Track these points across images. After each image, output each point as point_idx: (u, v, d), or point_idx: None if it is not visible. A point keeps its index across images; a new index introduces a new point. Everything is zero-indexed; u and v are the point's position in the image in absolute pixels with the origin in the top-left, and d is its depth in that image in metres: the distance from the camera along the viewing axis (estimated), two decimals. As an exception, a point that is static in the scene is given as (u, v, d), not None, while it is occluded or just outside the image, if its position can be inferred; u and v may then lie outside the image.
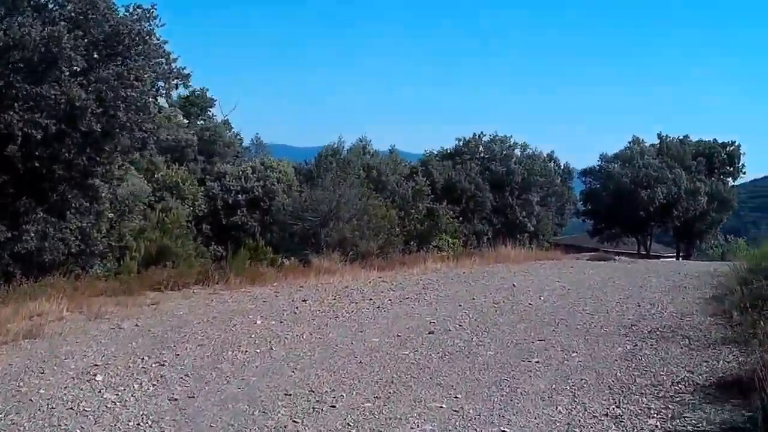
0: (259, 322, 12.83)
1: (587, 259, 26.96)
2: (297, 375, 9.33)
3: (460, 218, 44.93)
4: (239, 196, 35.85)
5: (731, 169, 58.76)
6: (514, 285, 17.39)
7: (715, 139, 59.05)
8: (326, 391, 8.59)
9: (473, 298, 15.40)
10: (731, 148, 58.58)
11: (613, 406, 7.89)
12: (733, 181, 59.77)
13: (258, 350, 10.67)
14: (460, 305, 14.51)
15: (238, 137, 46.10)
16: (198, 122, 43.98)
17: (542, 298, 15.42)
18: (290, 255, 27.33)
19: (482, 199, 47.99)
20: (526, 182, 51.16)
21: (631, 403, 7.98)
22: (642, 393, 8.32)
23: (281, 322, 12.89)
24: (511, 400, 8.18)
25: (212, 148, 41.11)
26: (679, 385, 8.53)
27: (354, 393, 8.53)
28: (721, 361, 9.41)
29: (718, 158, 57.70)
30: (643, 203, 51.78)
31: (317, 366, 9.74)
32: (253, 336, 11.62)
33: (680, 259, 54.23)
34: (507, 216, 50.29)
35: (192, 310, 14.09)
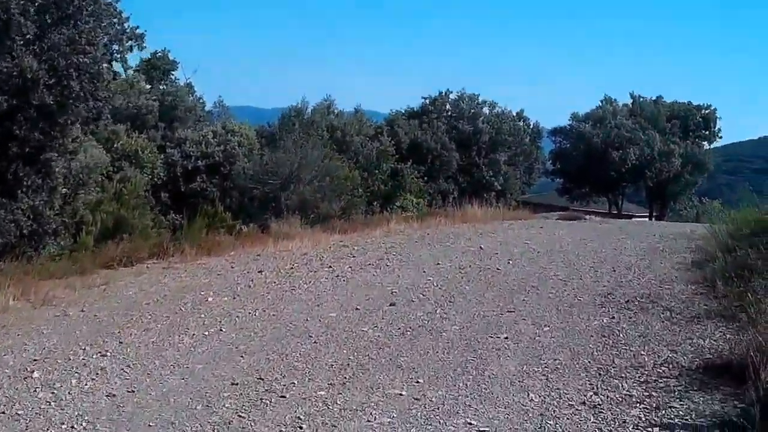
0: (210, 299, 12.07)
1: (557, 219, 26.43)
2: (246, 360, 8.61)
3: (425, 178, 44.05)
4: (199, 161, 34.65)
5: (707, 132, 58.21)
6: (481, 247, 16.73)
7: (690, 101, 58.56)
8: (276, 378, 7.88)
9: (438, 263, 14.73)
10: (707, 112, 57.97)
11: (591, 393, 7.19)
12: (709, 145, 59.22)
13: (206, 332, 9.93)
14: (424, 271, 13.85)
15: (201, 101, 44.76)
16: (160, 87, 42.62)
17: (511, 262, 14.73)
18: (250, 220, 26.88)
19: (448, 158, 46.89)
20: (493, 141, 50.12)
21: (610, 388, 7.29)
22: (622, 376, 7.62)
23: (234, 298, 12.17)
24: (478, 386, 7.47)
25: (173, 114, 39.84)
26: (663, 367, 7.83)
27: (306, 380, 7.81)
28: (707, 339, 8.70)
29: (693, 121, 57.04)
30: (615, 164, 51.19)
31: (268, 349, 9.03)
32: (202, 316, 10.88)
33: (653, 219, 53.78)
34: (473, 175, 49.32)
35: (143, 289, 13.32)
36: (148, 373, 8.25)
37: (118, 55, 20.53)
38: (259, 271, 14.47)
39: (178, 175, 34.02)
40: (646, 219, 54.73)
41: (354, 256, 16.01)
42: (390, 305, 11.02)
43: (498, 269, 13.87)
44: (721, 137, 60.58)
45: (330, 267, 14.60)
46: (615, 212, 55.53)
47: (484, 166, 49.48)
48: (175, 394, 7.53)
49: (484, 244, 17.30)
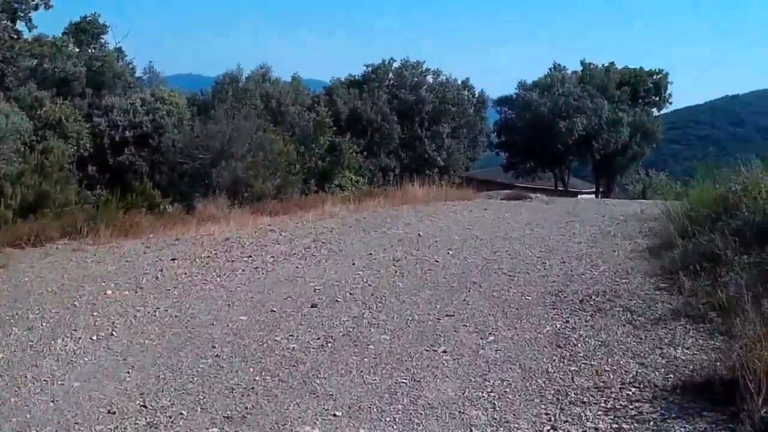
0: (110, 292, 10.90)
1: (501, 199, 25.08)
2: (132, 378, 7.35)
3: (365, 153, 42.68)
4: (127, 132, 33.12)
5: (657, 98, 56.71)
6: (419, 234, 15.66)
7: (641, 67, 56.76)
8: (164, 406, 6.61)
9: (370, 253, 13.60)
10: (658, 77, 56.31)
11: (548, 427, 5.98)
12: (658, 112, 57.84)
13: (95, 336, 8.72)
14: (354, 263, 12.70)
15: (131, 67, 43.03)
16: (89, 51, 40.78)
17: (451, 252, 13.57)
18: (181, 198, 26.11)
19: (389, 131, 45.60)
20: (436, 112, 48.76)
21: (571, 419, 6.07)
22: (584, 402, 6.39)
23: (136, 291, 11.00)
24: (411, 419, 6.22)
25: (101, 80, 38.13)
26: (632, 388, 6.60)
27: (199, 409, 6.53)
28: (679, 348, 7.50)
29: (644, 87, 55.48)
30: (562, 135, 49.60)
31: (161, 363, 7.78)
32: (96, 314, 9.68)
33: (600, 196, 52.78)
34: (416, 150, 48.13)
35: (40, 275, 12.20)
36: (16, 392, 7.03)
37: (22, 14, 18.88)
38: (172, 259, 13.40)
39: (105, 147, 32.65)
40: (593, 196, 53.78)
41: (279, 244, 14.94)
42: (311, 307, 9.79)
43: (437, 261, 12.72)
44: (671, 103, 59.29)
45: (250, 256, 13.48)
46: (561, 189, 54.29)
47: (427, 139, 48.22)
48: (38, 425, 6.30)
49: (423, 230, 16.31)
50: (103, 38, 41.73)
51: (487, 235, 15.33)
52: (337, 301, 10.08)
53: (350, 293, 10.48)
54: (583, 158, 55.12)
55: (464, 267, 12.13)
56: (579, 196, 50.52)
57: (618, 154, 53.62)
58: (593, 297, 9.78)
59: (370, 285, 10.94)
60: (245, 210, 21.61)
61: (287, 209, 21.75)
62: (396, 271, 11.91)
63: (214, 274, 11.99)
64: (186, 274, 12.04)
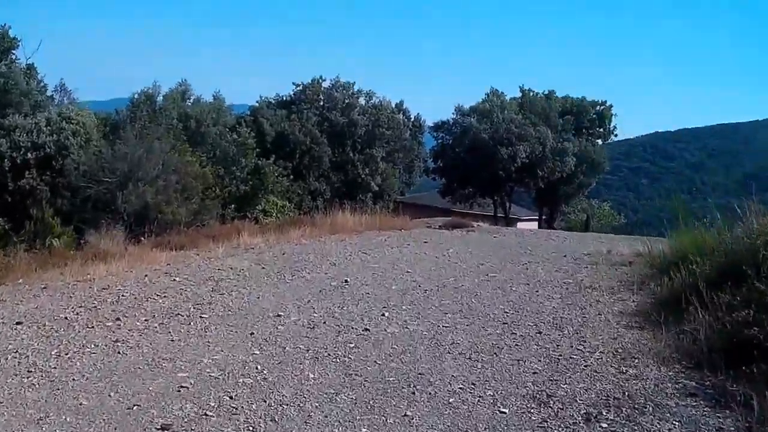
0: None
1: (441, 227, 23.55)
2: None
3: (292, 176, 39.25)
4: (29, 154, 29.56)
5: (601, 130, 54.76)
6: (346, 281, 12.88)
7: (584, 96, 54.70)
8: None
9: (279, 314, 10.34)
10: (602, 108, 54.36)
11: None
12: (603, 143, 55.73)
13: None
14: (253, 333, 9.33)
15: (42, 85, 39.28)
16: (-1, 67, 37.05)
17: (387, 314, 10.39)
18: (84, 227, 22.60)
19: (319, 153, 42.34)
20: (370, 135, 45.77)
21: None
22: None
23: None
24: None
25: (6, 99, 34.49)
26: None
27: None
28: None
29: (587, 117, 53.39)
30: (503, 162, 46.70)
31: None
32: None
33: (545, 225, 51.22)
34: (348, 173, 44.98)
35: None
36: None
37: None
38: (17, 323, 9.97)
39: (6, 170, 29.04)
40: (535, 225, 52.56)
41: (166, 296, 11.61)
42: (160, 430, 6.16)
43: (366, 330, 9.41)
44: (616, 135, 57.79)
45: (118, 320, 10.05)
46: (502, 215, 51.95)
47: (360, 163, 45.22)
48: None
49: (352, 273, 13.72)
50: (13, 53, 38.15)
51: (431, 284, 12.76)
52: (205, 415, 6.44)
53: (230, 396, 6.90)
54: (526, 186, 52.36)
55: (405, 342, 8.78)
56: (518, 224, 48.91)
57: (563, 184, 51.38)
58: (602, 412, 6.34)
59: (265, 378, 7.42)
60: (147, 243, 18.61)
61: (196, 241, 18.84)
62: (308, 350, 8.44)
63: (53, 352, 8.46)
64: (16, 351, 8.50)
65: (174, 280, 12.92)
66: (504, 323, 9.73)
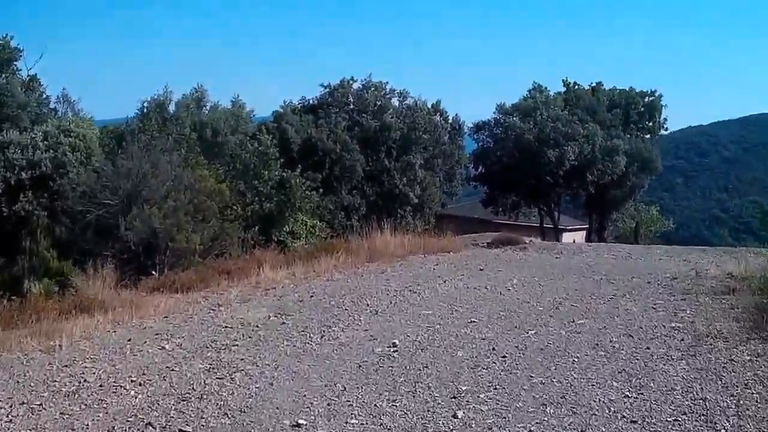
0: None
1: (489, 243, 22.42)
2: None
3: (321, 189, 35.58)
4: (23, 173, 26.87)
5: (650, 123, 50.44)
6: (394, 345, 10.15)
7: (631, 87, 50.64)
8: None
9: (298, 424, 7.36)
10: (651, 99, 50.09)
11: None
12: (652, 138, 51.14)
13: None
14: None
15: (44, 97, 36.77)
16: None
17: (461, 413, 7.53)
18: (85, 259, 20.19)
19: (351, 162, 39.55)
20: (406, 140, 42.99)
21: None
22: None
23: None
24: None
25: (3, 112, 31.97)
26: None
27: None
28: None
29: (636, 110, 49.33)
30: (550, 165, 43.15)
31: None
32: None
33: (595, 236, 48.13)
34: (383, 184, 42.21)
35: None
36: None
37: None
38: None
39: (-1, 193, 26.58)
40: (582, 236, 50.45)
41: (141, 383, 8.80)
42: None
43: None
44: (666, 129, 53.81)
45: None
46: (549, 225, 48.48)
47: (396, 171, 42.56)
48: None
49: (399, 330, 11.09)
50: (15, 64, 35.74)
51: (508, 343, 10.25)
52: None
53: None
54: (575, 192, 48.70)
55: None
56: (563, 236, 47.24)
57: (613, 187, 47.70)
58: None
59: None
60: (148, 282, 16.63)
61: (207, 279, 16.38)
62: None
63: None
64: None
65: (163, 348, 10.38)
66: (631, 420, 7.21)
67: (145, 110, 34.03)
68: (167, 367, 9.31)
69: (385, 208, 38.17)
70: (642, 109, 49.81)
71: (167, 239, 21.70)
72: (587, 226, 52.71)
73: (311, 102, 44.31)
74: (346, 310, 12.48)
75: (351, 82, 44.61)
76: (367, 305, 12.85)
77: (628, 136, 47.16)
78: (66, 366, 9.43)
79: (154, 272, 19.71)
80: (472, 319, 11.57)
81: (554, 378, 8.50)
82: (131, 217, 21.78)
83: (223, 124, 33.28)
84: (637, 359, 9.27)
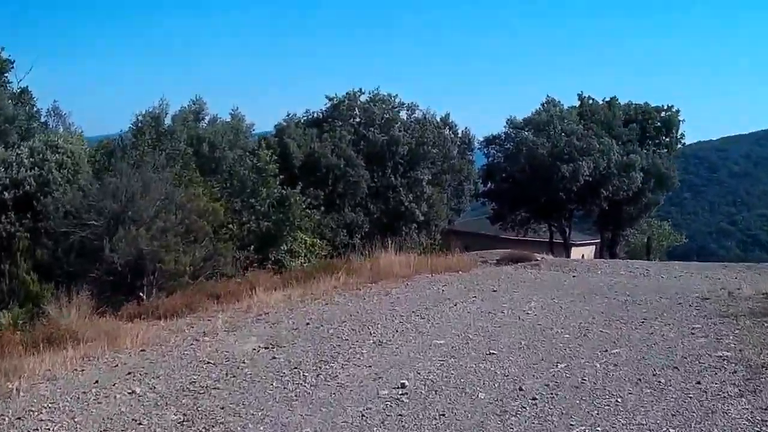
0: None
1: (499, 261, 21.75)
2: None
3: (323, 207, 34.34)
4: (6, 193, 25.82)
5: (667, 138, 49.44)
6: (403, 386, 8.79)
7: (647, 102, 49.87)
8: None
9: None
10: (668, 114, 49.28)
11: None
12: (669, 153, 49.85)
13: None
14: None
15: (34, 110, 35.67)
16: (-12, 92, 33.61)
17: None
18: (68, 283, 17.88)
19: (355, 178, 38.26)
20: (414, 155, 41.64)
21: None
22: None
23: None
24: None
25: (-9, 127, 30.99)
26: None
27: None
28: None
29: (653, 125, 48.53)
30: (564, 181, 42.13)
31: None
32: None
33: (607, 251, 47.86)
34: (389, 201, 40.86)
35: None
36: None
37: None
38: None
39: (-20, 215, 25.84)
40: (592, 251, 50.64)
41: None
42: None
43: None
44: (684, 144, 52.81)
45: None
46: (559, 241, 47.63)
47: (403, 188, 41.16)
48: None
49: (409, 367, 9.73)
50: (5, 76, 35.07)
51: (535, 379, 8.94)
52: None
53: None
54: (587, 208, 47.57)
55: None
56: (572, 250, 47.13)
57: (628, 203, 46.89)
58: None
59: None
60: (129, 308, 15.32)
61: (195, 303, 15.17)
62: None
63: None
64: None
65: (133, 392, 9.06)
66: None
67: (139, 124, 32.62)
68: (134, 419, 7.98)
69: (390, 226, 37.16)
70: (658, 123, 49.08)
71: (155, 261, 20.44)
72: (597, 240, 52.12)
73: (316, 115, 43.17)
74: (346, 340, 11.25)
75: (358, 94, 43.45)
76: (370, 334, 11.62)
77: (645, 151, 46.22)
78: (18, 419, 8.17)
79: (141, 294, 18.78)
80: (491, 350, 10.28)
81: (598, 425, 7.24)
82: (117, 238, 20.48)
83: (221, 138, 31.83)
84: (690, 397, 8.02)
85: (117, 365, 10.26)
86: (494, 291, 15.58)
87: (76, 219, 21.84)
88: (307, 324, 12.51)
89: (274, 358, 10.32)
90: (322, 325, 12.34)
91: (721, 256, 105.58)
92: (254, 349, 10.90)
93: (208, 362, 10.12)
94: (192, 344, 11.46)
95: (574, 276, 18.42)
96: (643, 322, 12.02)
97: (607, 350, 10.16)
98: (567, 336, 11.16)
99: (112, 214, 21.24)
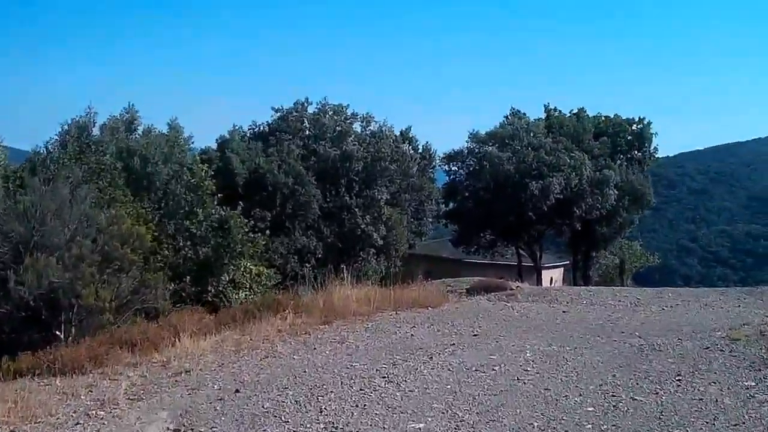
0: None
1: (469, 291, 20.49)
2: None
3: (269, 231, 31.54)
4: None
5: (639, 153, 47.82)
6: None
7: (617, 114, 48.41)
8: None
9: None
10: (640, 126, 47.65)
11: None
12: (642, 169, 48.12)
13: None
14: None
15: (-39, 123, 33.08)
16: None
17: None
18: None
19: (306, 198, 36.22)
20: (370, 171, 39.66)
21: None
22: None
23: None
24: None
25: None
26: None
27: None
28: None
29: (624, 138, 46.83)
30: (534, 199, 40.00)
31: None
32: None
33: (580, 275, 47.01)
34: (343, 223, 38.76)
35: None
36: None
37: None
38: None
39: None
40: (560, 274, 50.15)
41: None
42: None
43: None
44: (657, 158, 50.96)
45: None
46: (529, 264, 45.61)
47: (358, 208, 39.08)
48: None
49: None
50: None
51: None
52: None
53: None
54: (559, 228, 45.90)
55: None
56: (542, 274, 45.77)
57: (601, 223, 44.85)
58: None
59: None
60: (22, 360, 12.65)
61: (102, 356, 12.48)
62: None
63: None
64: None
65: None
66: None
67: (63, 134, 29.81)
68: None
69: (346, 251, 35.42)
70: (629, 137, 47.45)
71: (72, 295, 17.70)
72: (567, 262, 50.98)
73: (262, 128, 41.25)
74: (286, 422, 8.44)
75: (305, 104, 41.64)
76: (320, 410, 8.85)
77: (618, 166, 44.46)
78: None
79: (59, 333, 16.78)
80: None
81: None
82: (24, 268, 17.74)
83: (154, 151, 29.00)
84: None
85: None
86: (475, 335, 13.47)
87: (-25, 248, 19.14)
88: (237, 392, 9.87)
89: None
90: (256, 393, 9.76)
91: (684, 274, 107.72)
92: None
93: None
94: (80, 423, 8.80)
95: (564, 311, 16.59)
96: (678, 379, 9.76)
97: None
98: (590, 409, 8.58)
99: (19, 238, 18.61)
